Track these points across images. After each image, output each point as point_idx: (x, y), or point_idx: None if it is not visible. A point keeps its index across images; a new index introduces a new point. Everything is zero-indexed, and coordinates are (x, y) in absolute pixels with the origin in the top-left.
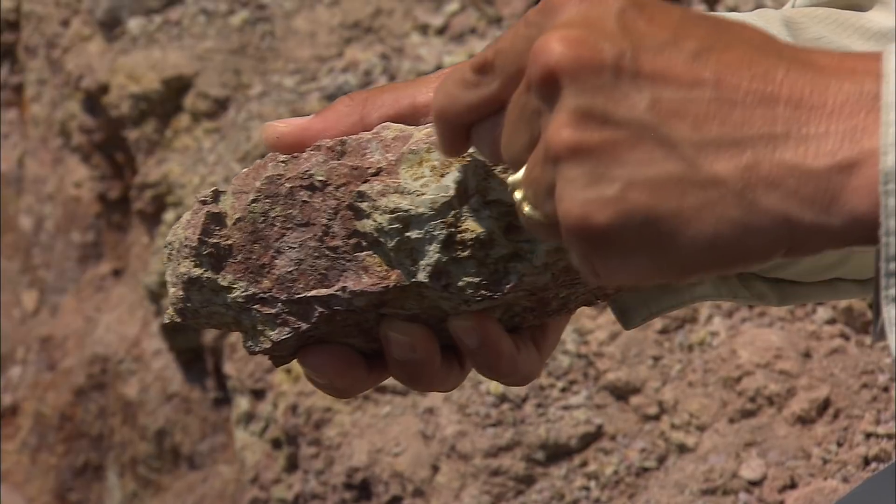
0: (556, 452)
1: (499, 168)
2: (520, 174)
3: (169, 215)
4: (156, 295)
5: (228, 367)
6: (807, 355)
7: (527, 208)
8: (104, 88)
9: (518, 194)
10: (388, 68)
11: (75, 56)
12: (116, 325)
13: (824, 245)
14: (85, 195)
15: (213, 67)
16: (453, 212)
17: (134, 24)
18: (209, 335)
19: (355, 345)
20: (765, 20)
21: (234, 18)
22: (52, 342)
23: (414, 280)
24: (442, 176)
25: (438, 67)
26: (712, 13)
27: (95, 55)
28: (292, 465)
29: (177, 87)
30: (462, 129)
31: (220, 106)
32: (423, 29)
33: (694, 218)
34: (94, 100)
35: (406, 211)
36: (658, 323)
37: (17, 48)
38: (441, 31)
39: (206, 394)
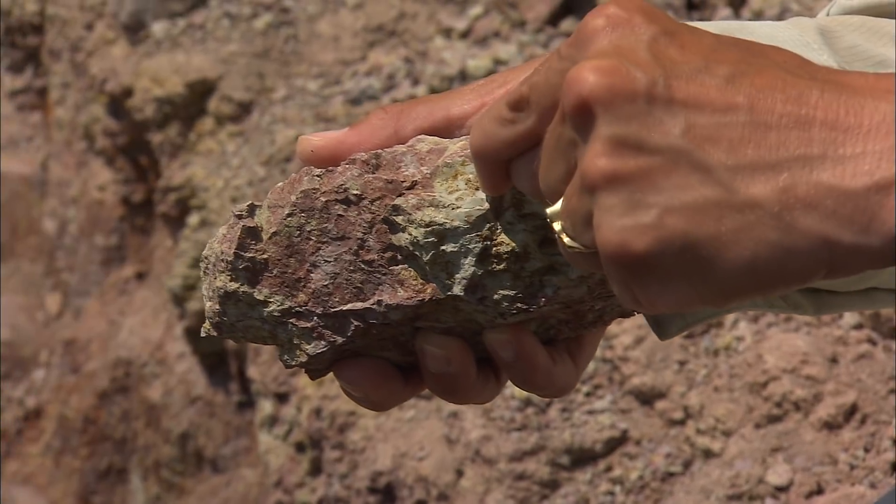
0: (581, 457)
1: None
2: (558, 205)
3: (193, 218)
4: (179, 298)
5: (252, 371)
6: (833, 360)
7: (566, 239)
8: (128, 92)
9: (557, 226)
10: (411, 72)
11: (99, 59)
12: (140, 328)
13: (864, 265)
14: (108, 198)
15: (236, 71)
16: (488, 225)
17: (158, 27)
18: None
19: (391, 358)
20: (800, 29)
21: (257, 22)
22: (76, 345)
23: (449, 293)
24: (477, 189)
25: (462, 71)
26: (743, 32)
27: (119, 59)
28: (316, 469)
29: (201, 91)
30: (502, 165)
31: (244, 109)
32: (447, 32)
33: (732, 242)
34: (118, 103)
35: (441, 224)
36: None
37: (41, 52)
38: (465, 34)
39: (230, 397)
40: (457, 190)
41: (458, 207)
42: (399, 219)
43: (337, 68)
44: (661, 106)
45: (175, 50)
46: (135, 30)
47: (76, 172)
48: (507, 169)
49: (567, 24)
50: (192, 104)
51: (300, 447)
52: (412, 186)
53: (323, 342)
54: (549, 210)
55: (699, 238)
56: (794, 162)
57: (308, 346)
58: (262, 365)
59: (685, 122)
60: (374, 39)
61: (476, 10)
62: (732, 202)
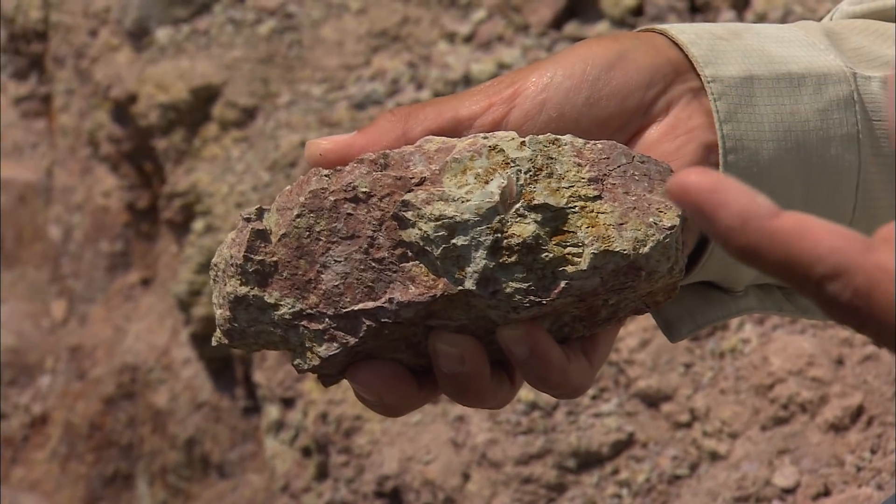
0: (588, 460)
1: (544, 173)
2: None
3: (197, 224)
4: (185, 304)
5: (258, 376)
6: (839, 362)
7: None
8: (132, 98)
9: None
10: (415, 76)
11: (104, 66)
12: (145, 333)
13: None
14: (113, 205)
15: (241, 76)
16: (499, 217)
17: (162, 33)
18: None
19: (404, 360)
20: (806, 30)
21: (261, 27)
22: (82, 351)
23: (461, 288)
24: (486, 182)
25: (466, 75)
26: None
27: (124, 65)
28: (322, 474)
29: (205, 97)
30: None
31: (249, 115)
32: (450, 37)
33: None
34: (122, 109)
35: (451, 218)
36: None
37: (45, 58)
38: (468, 39)
39: (236, 402)
40: (466, 184)
41: (467, 200)
42: (409, 214)
43: (341, 73)
44: None
45: (179, 56)
46: (139, 36)
47: (81, 179)
48: None
49: (570, 27)
50: (196, 110)
51: (306, 452)
52: (421, 182)
53: (335, 344)
54: None
55: None
56: None
57: (320, 349)
58: (268, 370)
59: None
60: (377, 44)
61: (479, 14)
62: None
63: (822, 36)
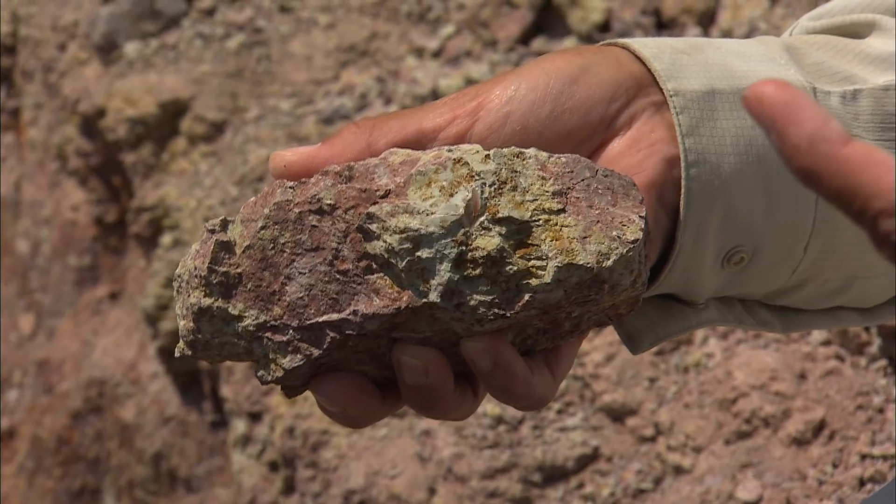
0: (553, 474)
1: (508, 186)
2: None
3: (166, 238)
4: (152, 318)
5: (225, 390)
6: (802, 377)
7: None
8: (101, 112)
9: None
10: (383, 91)
11: (72, 80)
12: (113, 348)
13: None
14: (82, 218)
15: (209, 91)
16: (463, 230)
17: (130, 47)
18: None
19: (368, 372)
20: (766, 46)
21: (230, 42)
22: (49, 365)
23: (426, 300)
24: (451, 195)
25: (434, 90)
26: None
27: (92, 79)
28: (289, 488)
29: (173, 111)
30: None
31: (217, 129)
32: (419, 52)
33: None
34: (90, 123)
35: (416, 230)
36: None
37: (13, 72)
38: (436, 54)
39: (203, 417)
40: (431, 197)
41: (432, 213)
42: (373, 227)
43: (309, 88)
44: None
45: (148, 70)
46: (107, 50)
47: (49, 193)
48: None
49: (538, 43)
50: (164, 124)
51: (273, 466)
52: (386, 195)
53: (299, 356)
54: None
55: None
56: None
57: (284, 361)
58: (236, 384)
59: None
60: (346, 59)
61: (448, 29)
62: None
63: (782, 51)
